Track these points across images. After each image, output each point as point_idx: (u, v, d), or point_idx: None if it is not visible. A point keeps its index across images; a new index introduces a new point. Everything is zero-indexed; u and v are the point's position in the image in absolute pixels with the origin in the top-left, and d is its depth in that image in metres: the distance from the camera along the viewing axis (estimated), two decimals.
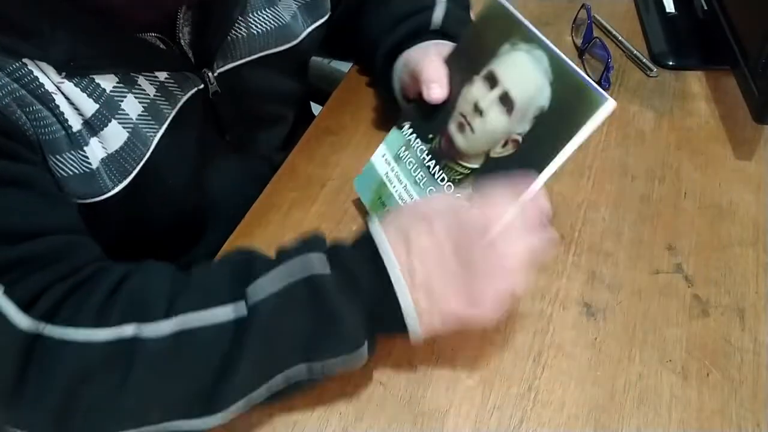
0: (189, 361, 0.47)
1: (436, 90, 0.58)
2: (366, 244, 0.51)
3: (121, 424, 0.47)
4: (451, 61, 0.61)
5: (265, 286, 0.48)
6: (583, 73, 0.49)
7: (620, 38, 0.89)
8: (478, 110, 0.56)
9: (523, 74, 0.52)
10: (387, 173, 0.63)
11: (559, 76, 0.50)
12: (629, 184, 0.70)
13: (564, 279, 0.61)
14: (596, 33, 0.86)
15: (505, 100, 0.54)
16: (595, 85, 0.48)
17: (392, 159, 0.63)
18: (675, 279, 0.61)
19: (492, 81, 0.55)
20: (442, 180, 0.58)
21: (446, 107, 0.59)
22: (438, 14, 0.71)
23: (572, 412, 0.52)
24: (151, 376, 0.46)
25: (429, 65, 0.60)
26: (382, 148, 0.65)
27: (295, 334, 0.48)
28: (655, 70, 0.85)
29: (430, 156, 0.59)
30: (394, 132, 0.64)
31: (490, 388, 0.54)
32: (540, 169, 0.50)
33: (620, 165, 0.72)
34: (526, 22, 0.53)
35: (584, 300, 0.60)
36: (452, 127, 0.58)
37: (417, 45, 0.69)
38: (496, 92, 0.54)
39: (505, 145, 0.53)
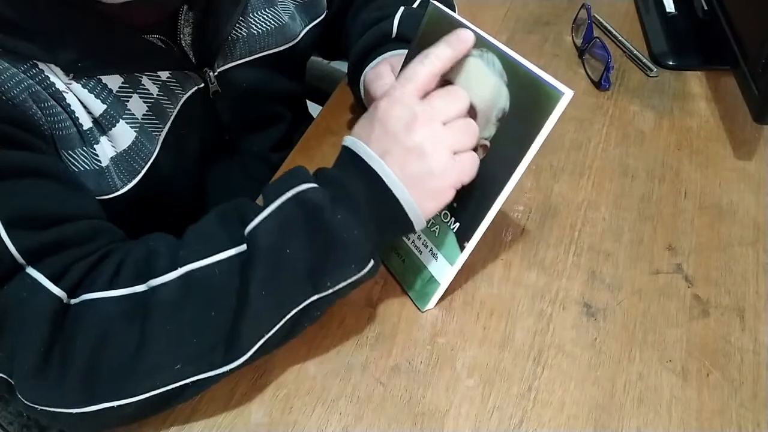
0: (200, 301, 0.48)
1: None
2: (346, 156, 0.51)
3: (148, 380, 0.47)
4: None
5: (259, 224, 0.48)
6: (535, 68, 0.48)
7: (620, 38, 0.89)
8: None
9: (479, 80, 0.52)
10: None
11: (514, 76, 0.50)
12: (629, 184, 0.70)
13: (564, 279, 0.61)
14: (596, 33, 0.86)
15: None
16: (549, 78, 0.47)
17: None
18: (675, 279, 0.61)
19: None
20: None
21: None
22: (396, 21, 0.70)
23: (572, 412, 0.52)
24: (167, 322, 0.47)
25: (380, 92, 0.60)
26: None
27: (299, 252, 0.48)
28: (655, 70, 0.85)
29: None
30: None
31: (490, 388, 0.54)
32: (512, 170, 0.50)
33: (620, 165, 0.72)
34: (471, 26, 0.52)
35: (584, 300, 0.60)
36: None
37: (375, 60, 0.69)
38: None
39: (474, 151, 0.53)
